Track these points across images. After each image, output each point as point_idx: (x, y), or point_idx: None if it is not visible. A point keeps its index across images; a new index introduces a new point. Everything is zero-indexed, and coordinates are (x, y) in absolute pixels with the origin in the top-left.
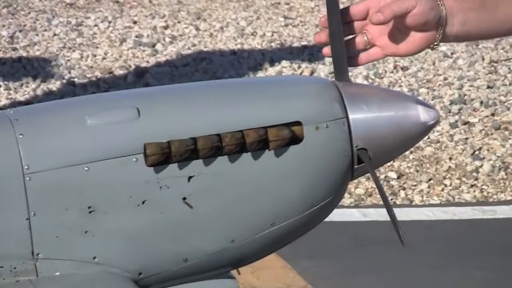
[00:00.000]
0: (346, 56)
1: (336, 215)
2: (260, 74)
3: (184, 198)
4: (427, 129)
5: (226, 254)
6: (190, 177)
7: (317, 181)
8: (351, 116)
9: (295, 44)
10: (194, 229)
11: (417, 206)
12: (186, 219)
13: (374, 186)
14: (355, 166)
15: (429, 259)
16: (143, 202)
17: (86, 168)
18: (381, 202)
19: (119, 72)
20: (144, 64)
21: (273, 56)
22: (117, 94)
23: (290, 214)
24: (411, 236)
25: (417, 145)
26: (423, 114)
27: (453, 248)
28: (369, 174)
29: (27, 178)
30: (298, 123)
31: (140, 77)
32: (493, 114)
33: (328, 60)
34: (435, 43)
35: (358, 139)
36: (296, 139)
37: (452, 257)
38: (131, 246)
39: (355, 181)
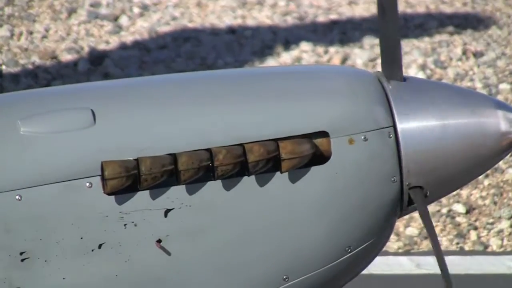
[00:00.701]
0: (400, 43)
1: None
2: (269, 62)
3: (159, 241)
4: (510, 143)
5: None
6: (167, 211)
7: (351, 217)
8: (401, 126)
9: (320, 18)
10: (172, 285)
11: (494, 253)
12: (161, 271)
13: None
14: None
15: None
16: (99, 246)
17: (17, 197)
18: (442, 248)
19: (66, 56)
20: (102, 46)
21: (288, 35)
22: (64, 90)
23: (311, 265)
24: None
25: (495, 166)
26: (505, 123)
27: None
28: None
29: None
30: (323, 134)
31: (96, 64)
32: None
33: (368, 41)
34: None
35: (411, 160)
36: (320, 157)
37: None
38: None
39: (406, 217)
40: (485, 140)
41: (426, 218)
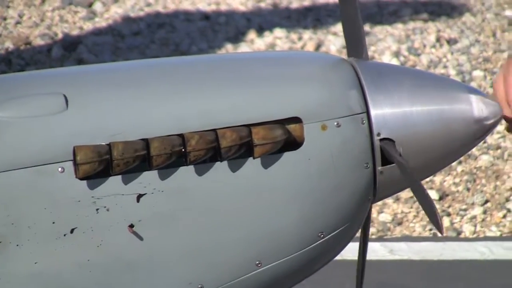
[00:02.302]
0: (362, 25)
1: (352, 251)
2: (243, 48)
3: (131, 226)
4: (483, 129)
5: None
6: (139, 196)
7: (324, 203)
8: (374, 111)
9: (294, 5)
10: (144, 270)
11: (467, 239)
12: (133, 256)
13: (405, 210)
14: (379, 168)
15: None
16: (71, 231)
17: None
18: (414, 234)
19: (40, 42)
20: (76, 32)
21: (262, 21)
22: (37, 75)
23: (284, 250)
24: (459, 282)
25: (468, 152)
26: (478, 109)
27: None
28: (397, 195)
29: None
30: (296, 120)
31: (70, 50)
32: None
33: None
34: None
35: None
36: (293, 143)
37: None
38: None
39: (379, 203)
40: (458, 126)
41: (404, 170)
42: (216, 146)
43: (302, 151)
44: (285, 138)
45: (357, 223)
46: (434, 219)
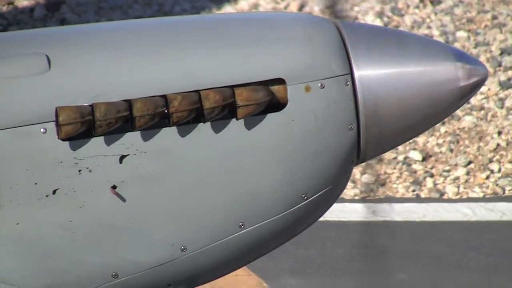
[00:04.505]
0: None
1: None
2: (226, 8)
3: (114, 187)
4: (467, 91)
5: (173, 268)
6: (122, 157)
7: (307, 165)
8: (358, 73)
9: None
10: (127, 232)
11: (450, 200)
12: (116, 218)
13: (388, 171)
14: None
15: (467, 277)
16: (53, 192)
17: None
18: (398, 195)
19: (23, 2)
20: None
21: None
22: (19, 35)
23: (267, 212)
24: (441, 243)
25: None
26: (461, 70)
27: (503, 259)
28: (381, 156)
29: None
30: (279, 81)
31: (53, 10)
32: None
33: None
34: None
35: (368, 108)
36: (276, 104)
37: (502, 273)
38: (35, 254)
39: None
40: (442, 88)
41: None
42: (199, 107)
43: (286, 112)
44: (269, 99)
45: (340, 185)
46: None
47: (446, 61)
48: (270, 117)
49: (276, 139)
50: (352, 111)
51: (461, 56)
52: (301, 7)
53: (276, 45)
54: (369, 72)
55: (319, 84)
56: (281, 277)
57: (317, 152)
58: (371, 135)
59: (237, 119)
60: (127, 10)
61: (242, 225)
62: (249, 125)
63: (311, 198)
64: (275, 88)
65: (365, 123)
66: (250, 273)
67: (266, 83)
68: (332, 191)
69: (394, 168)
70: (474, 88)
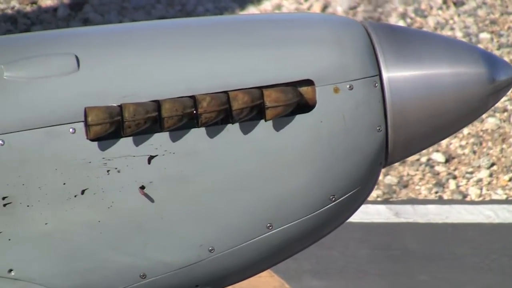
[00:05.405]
0: None
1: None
2: (249, 9)
3: (142, 187)
4: (496, 92)
5: (201, 269)
6: (151, 157)
7: (335, 166)
8: (387, 74)
9: None
10: (155, 232)
11: (473, 202)
12: (144, 218)
13: (411, 173)
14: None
15: (489, 279)
16: (82, 192)
17: (0, 142)
18: (420, 197)
19: (46, 2)
20: None
21: None
22: (47, 35)
23: (295, 213)
24: (464, 245)
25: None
26: (490, 72)
27: None
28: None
29: None
30: (308, 82)
31: (76, 10)
32: None
33: None
34: None
35: (396, 110)
36: (305, 105)
37: None
38: (63, 254)
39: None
40: (471, 90)
41: None
42: (228, 108)
43: (314, 113)
44: (297, 100)
45: (368, 187)
46: None
47: (474, 63)
48: (299, 118)
49: (304, 141)
50: (380, 112)
51: (489, 58)
52: (324, 7)
53: (305, 46)
54: (397, 74)
55: (348, 86)
56: (303, 279)
57: (345, 153)
58: (399, 136)
59: (265, 120)
60: (150, 10)
61: (270, 226)
62: (277, 127)
63: (339, 200)
64: (304, 89)
65: (393, 124)
66: (273, 275)
67: (295, 84)
68: (359, 193)
69: (417, 170)
70: (502, 90)
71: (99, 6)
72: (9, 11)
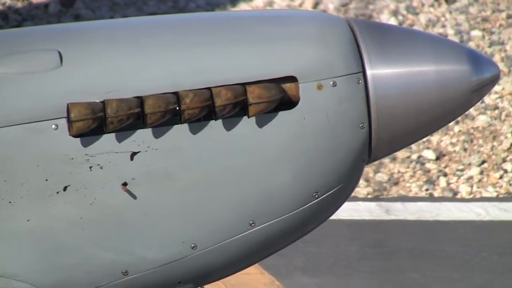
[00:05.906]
0: None
1: (347, 211)
2: (241, 5)
3: (125, 184)
4: (479, 90)
5: (184, 266)
6: (133, 154)
7: (318, 163)
8: (370, 71)
9: None
10: (137, 229)
11: (463, 200)
12: (126, 215)
13: (401, 170)
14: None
15: (480, 277)
16: (64, 188)
17: None
18: (411, 194)
19: None
20: None
21: None
22: (32, 31)
23: (278, 210)
24: (454, 242)
25: (466, 112)
26: (475, 69)
27: None
28: (394, 155)
29: None
30: (292, 79)
31: (67, 6)
32: None
33: None
34: None
35: (380, 107)
36: (288, 102)
37: None
38: (46, 251)
39: (375, 162)
40: (454, 87)
41: None
42: (211, 104)
43: (297, 110)
44: (280, 97)
45: (352, 184)
46: None
47: (459, 60)
48: (282, 115)
49: (287, 137)
50: (364, 109)
51: (473, 55)
52: (316, 4)
53: (288, 43)
54: (381, 71)
55: (331, 82)
56: (294, 276)
57: (328, 150)
58: (383, 133)
59: (248, 117)
60: (142, 6)
61: (253, 223)
62: (260, 123)
63: (322, 197)
64: (287, 86)
65: (377, 121)
66: (263, 271)
67: (278, 81)
68: (343, 190)
69: (408, 167)
70: (486, 87)
71: (90, 2)
72: (0, 7)
